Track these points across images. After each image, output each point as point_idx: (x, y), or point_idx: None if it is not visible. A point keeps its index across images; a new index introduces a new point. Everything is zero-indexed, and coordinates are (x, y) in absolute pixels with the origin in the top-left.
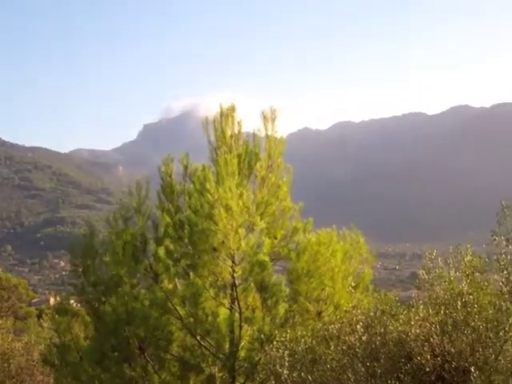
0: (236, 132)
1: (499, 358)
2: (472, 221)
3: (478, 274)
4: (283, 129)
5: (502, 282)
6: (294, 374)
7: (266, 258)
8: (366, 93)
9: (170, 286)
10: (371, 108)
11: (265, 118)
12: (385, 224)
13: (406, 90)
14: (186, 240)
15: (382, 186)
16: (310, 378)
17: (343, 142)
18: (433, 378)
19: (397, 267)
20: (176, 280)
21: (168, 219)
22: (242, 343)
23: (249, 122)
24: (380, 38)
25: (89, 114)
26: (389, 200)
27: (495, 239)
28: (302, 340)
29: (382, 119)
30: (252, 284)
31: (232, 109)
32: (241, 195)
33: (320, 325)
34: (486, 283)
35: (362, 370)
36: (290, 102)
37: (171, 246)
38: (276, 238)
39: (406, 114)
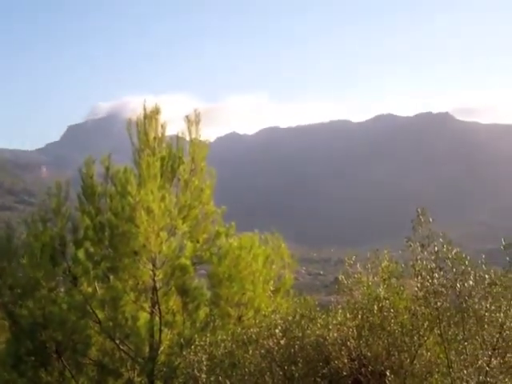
0: (159, 135)
1: (414, 362)
2: (396, 227)
3: (394, 279)
4: (210, 133)
5: (417, 287)
6: (212, 378)
7: (188, 262)
8: (296, 99)
9: (90, 290)
10: (299, 115)
11: (189, 121)
12: (309, 230)
13: (332, 98)
14: (107, 243)
15: (307, 193)
16: (228, 382)
17: (269, 147)
18: (349, 382)
19: (321, 272)
20: (95, 283)
21: (88, 221)
22: (162, 347)
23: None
24: (311, 44)
25: (10, 114)
26: (313, 207)
27: (411, 245)
28: (222, 344)
29: (309, 126)
30: (173, 288)
31: (156, 111)
32: (163, 198)
33: (240, 329)
34: (401, 288)
35: (280, 373)
36: (220, 106)
37: (91, 249)
38: (198, 242)
39: (334, 121)
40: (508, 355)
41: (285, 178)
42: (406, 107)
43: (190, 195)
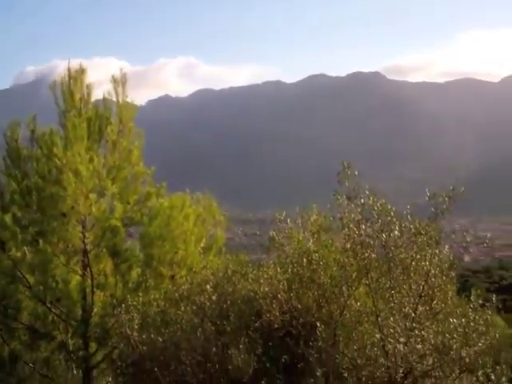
0: (85, 95)
1: (344, 312)
2: (328, 185)
3: (323, 232)
4: (142, 95)
5: (345, 239)
6: (144, 336)
7: (118, 223)
8: (228, 61)
9: (18, 254)
10: (232, 77)
11: (115, 81)
12: (243, 191)
13: (265, 59)
14: (34, 206)
15: (241, 154)
16: (160, 339)
17: (203, 110)
18: (281, 334)
19: (257, 232)
20: (24, 248)
21: (14, 185)
22: (95, 309)
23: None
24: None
25: None
26: (247, 168)
27: (338, 198)
28: (155, 303)
29: (243, 87)
30: (104, 250)
31: (81, 71)
32: (90, 159)
33: (172, 287)
34: (330, 241)
35: (212, 328)
36: (152, 68)
37: (18, 213)
38: (128, 203)
39: (265, 82)
40: (433, 302)
41: (218, 141)
42: (339, 67)
43: (119, 156)
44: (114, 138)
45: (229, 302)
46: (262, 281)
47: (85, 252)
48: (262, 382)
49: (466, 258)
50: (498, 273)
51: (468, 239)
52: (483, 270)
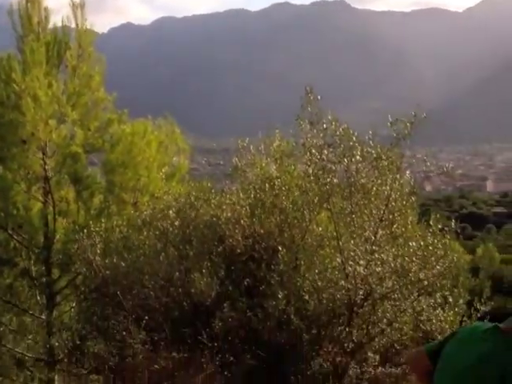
0: (43, 19)
1: (306, 236)
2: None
3: (285, 158)
4: (104, 23)
5: (307, 165)
6: (107, 261)
7: (79, 150)
8: None
9: None
10: (194, 4)
11: (73, 5)
12: (207, 121)
13: None
14: None
15: (205, 82)
16: (122, 263)
17: (165, 38)
18: (244, 259)
19: (221, 162)
20: None
21: None
22: (57, 236)
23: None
24: None
25: None
26: (211, 97)
27: (300, 123)
28: (117, 229)
29: (205, 15)
30: (66, 176)
31: None
32: (50, 85)
33: (135, 213)
34: (293, 167)
35: (175, 253)
36: None
37: None
38: (90, 130)
39: (228, 10)
40: (394, 226)
41: (181, 72)
42: None
43: (79, 82)
44: (74, 64)
45: (191, 228)
46: (224, 206)
47: (46, 179)
48: (225, 304)
49: (428, 188)
50: (458, 202)
51: (427, 167)
52: (444, 199)
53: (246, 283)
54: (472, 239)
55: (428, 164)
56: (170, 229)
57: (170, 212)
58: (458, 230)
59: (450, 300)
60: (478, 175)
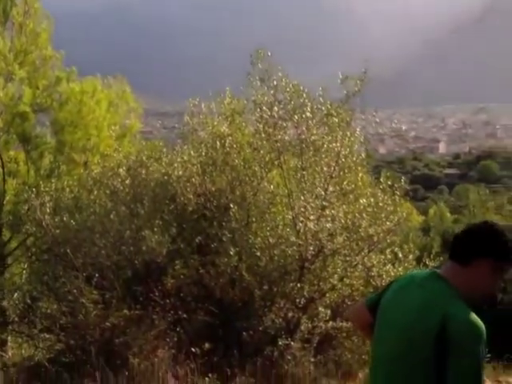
0: None
1: (257, 194)
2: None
3: (237, 116)
4: None
5: (258, 121)
6: (57, 220)
7: (28, 109)
8: None
9: None
10: None
11: None
12: (164, 83)
13: None
14: None
15: (159, 45)
16: (73, 222)
17: None
18: (195, 217)
19: (176, 125)
20: None
21: None
22: (7, 197)
23: None
24: None
25: None
26: (166, 60)
27: (251, 80)
28: (68, 189)
29: None
30: (14, 136)
31: None
32: None
33: (85, 173)
34: (244, 124)
35: (126, 212)
36: None
37: None
38: (38, 89)
39: None
40: (344, 183)
41: (133, 31)
42: None
43: (26, 40)
44: (20, 20)
45: (142, 186)
46: (175, 165)
47: None
48: (177, 262)
49: (381, 150)
50: (411, 163)
51: (380, 129)
52: (397, 161)
53: (197, 241)
54: (424, 201)
55: (380, 125)
56: (121, 187)
57: (121, 170)
58: (408, 187)
59: (400, 256)
60: (431, 137)
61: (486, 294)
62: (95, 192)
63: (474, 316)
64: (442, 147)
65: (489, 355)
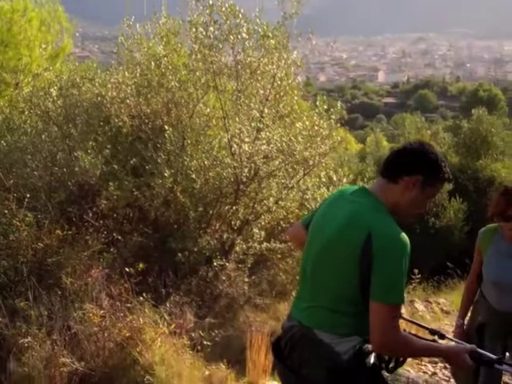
0: None
1: (193, 116)
2: None
3: (172, 36)
4: None
5: (193, 42)
6: None
7: None
8: None
9: None
10: None
11: None
12: (100, 6)
13: None
14: None
15: None
16: (3, 143)
17: None
18: (130, 139)
19: (114, 50)
20: None
21: None
22: None
23: None
24: None
25: None
26: None
27: (186, 0)
28: None
29: None
30: None
31: None
32: None
33: (17, 93)
34: (179, 45)
35: (59, 133)
36: None
37: None
38: None
39: None
40: (280, 105)
41: None
42: None
43: None
44: None
45: (75, 107)
46: (109, 85)
47: None
48: (111, 183)
49: (322, 78)
50: (350, 92)
51: (321, 58)
52: (337, 89)
53: (132, 163)
54: (363, 129)
55: (320, 53)
56: (53, 108)
57: (52, 90)
58: (344, 112)
59: (335, 179)
60: (371, 66)
61: (415, 212)
62: (26, 112)
63: (399, 231)
64: (382, 76)
65: (419, 275)
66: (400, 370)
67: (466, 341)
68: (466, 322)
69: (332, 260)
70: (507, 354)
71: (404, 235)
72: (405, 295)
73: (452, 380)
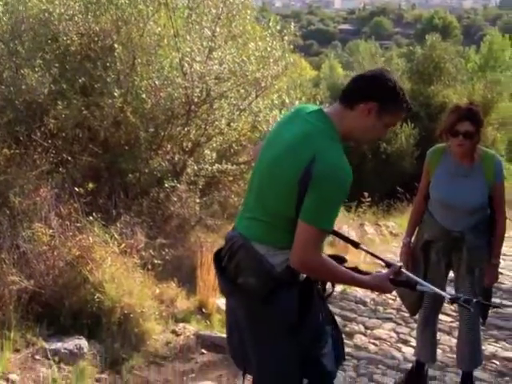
0: None
1: (143, 35)
2: None
3: None
4: None
5: None
6: None
7: None
8: None
9: None
10: None
11: None
12: None
13: None
14: None
15: None
16: None
17: None
18: (79, 57)
19: None
20: None
21: None
22: None
23: None
24: None
25: None
26: None
27: None
28: None
29: None
30: None
31: None
32: None
33: None
34: None
35: (5, 50)
36: None
37: None
38: None
39: None
40: (232, 25)
41: None
42: None
43: None
44: None
45: (21, 23)
46: (57, 2)
47: None
48: (59, 102)
49: (277, 4)
50: (306, 18)
51: None
52: (293, 15)
53: (81, 82)
54: (318, 56)
55: None
56: None
57: None
58: (303, 43)
59: (287, 102)
60: None
61: (370, 139)
62: None
63: (343, 161)
64: (338, 2)
65: (369, 199)
66: (348, 290)
67: (412, 259)
68: (412, 240)
69: (276, 177)
70: (451, 270)
71: (348, 167)
72: (333, 225)
73: (398, 299)
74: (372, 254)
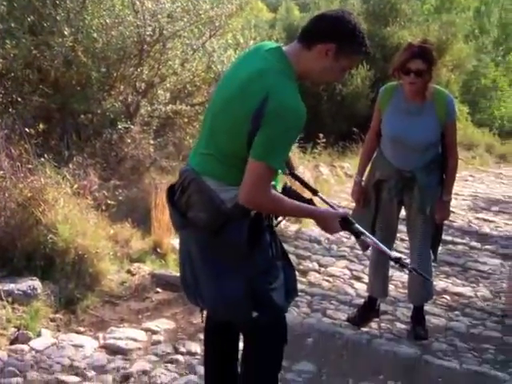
0: None
1: None
2: None
3: None
4: None
5: None
6: None
7: None
8: None
9: None
10: None
11: None
12: None
13: None
14: None
15: None
16: None
17: None
18: None
19: None
20: None
21: None
22: None
23: None
24: None
25: None
26: None
27: None
28: None
29: None
30: None
31: None
32: None
33: None
34: None
35: None
36: None
37: None
38: None
39: None
40: None
41: None
42: None
43: None
44: None
45: None
46: None
47: None
48: (7, 41)
49: None
50: None
51: None
52: None
53: (29, 20)
54: None
55: None
56: None
57: None
58: None
59: (242, 41)
60: None
61: (325, 81)
62: None
63: (297, 101)
64: None
65: (324, 140)
66: (303, 228)
67: (364, 197)
68: (364, 179)
69: (228, 114)
70: (403, 208)
71: (302, 106)
72: (283, 165)
73: (352, 237)
74: (328, 204)
